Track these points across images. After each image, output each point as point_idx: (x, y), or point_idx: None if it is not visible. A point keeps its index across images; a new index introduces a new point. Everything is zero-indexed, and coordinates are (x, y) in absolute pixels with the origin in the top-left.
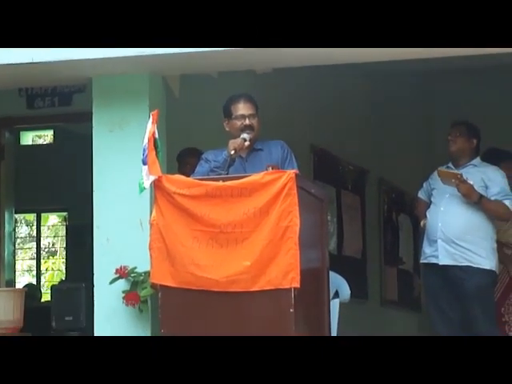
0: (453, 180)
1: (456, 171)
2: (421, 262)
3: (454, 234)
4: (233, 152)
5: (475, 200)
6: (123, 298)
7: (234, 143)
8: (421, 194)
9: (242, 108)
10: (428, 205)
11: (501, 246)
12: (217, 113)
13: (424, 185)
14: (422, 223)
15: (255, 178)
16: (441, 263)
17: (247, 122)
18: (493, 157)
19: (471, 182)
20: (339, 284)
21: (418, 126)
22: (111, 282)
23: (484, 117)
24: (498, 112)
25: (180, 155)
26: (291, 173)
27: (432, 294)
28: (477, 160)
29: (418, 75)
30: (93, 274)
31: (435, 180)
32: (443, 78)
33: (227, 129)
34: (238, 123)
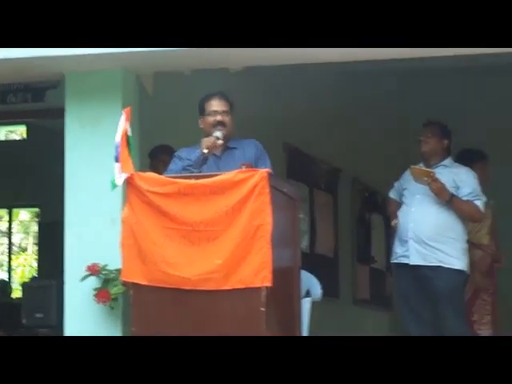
0: (425, 178)
1: (429, 169)
2: (392, 261)
3: (425, 235)
4: (206, 151)
5: (446, 199)
6: (94, 295)
7: (206, 142)
8: (392, 194)
9: (216, 104)
10: (399, 205)
11: (472, 247)
12: (190, 110)
13: (395, 184)
14: (392, 223)
15: (228, 176)
16: (412, 263)
17: (219, 118)
18: (466, 158)
19: (443, 182)
20: (311, 283)
21: (393, 126)
22: (82, 280)
23: (457, 117)
24: (472, 113)
25: (152, 152)
26: (264, 172)
27: (403, 294)
28: (448, 160)
29: (392, 75)
30: (64, 271)
31: (406, 180)
32: (418, 79)
33: (201, 126)
34: (211, 119)
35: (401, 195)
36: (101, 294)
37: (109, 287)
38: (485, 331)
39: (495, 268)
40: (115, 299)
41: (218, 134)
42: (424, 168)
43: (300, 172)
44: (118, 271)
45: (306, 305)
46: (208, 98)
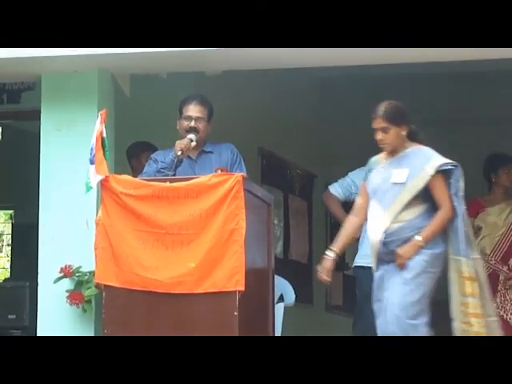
0: None
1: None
2: (356, 265)
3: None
4: (179, 153)
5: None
6: (67, 297)
7: (180, 144)
8: (335, 190)
9: (192, 110)
10: (339, 202)
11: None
12: (166, 113)
13: (344, 182)
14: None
15: (202, 179)
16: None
17: (192, 124)
18: (491, 162)
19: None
20: (284, 288)
21: (366, 131)
22: (55, 281)
23: (434, 121)
24: (447, 117)
25: (132, 149)
26: (238, 175)
27: (367, 295)
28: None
29: (366, 80)
30: (37, 273)
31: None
32: (391, 84)
33: (178, 128)
34: (185, 123)
35: (349, 193)
36: (73, 296)
37: (82, 289)
38: None
39: None
40: (88, 301)
41: (191, 136)
42: None
43: (275, 177)
44: (92, 273)
45: (279, 310)
46: (186, 101)
